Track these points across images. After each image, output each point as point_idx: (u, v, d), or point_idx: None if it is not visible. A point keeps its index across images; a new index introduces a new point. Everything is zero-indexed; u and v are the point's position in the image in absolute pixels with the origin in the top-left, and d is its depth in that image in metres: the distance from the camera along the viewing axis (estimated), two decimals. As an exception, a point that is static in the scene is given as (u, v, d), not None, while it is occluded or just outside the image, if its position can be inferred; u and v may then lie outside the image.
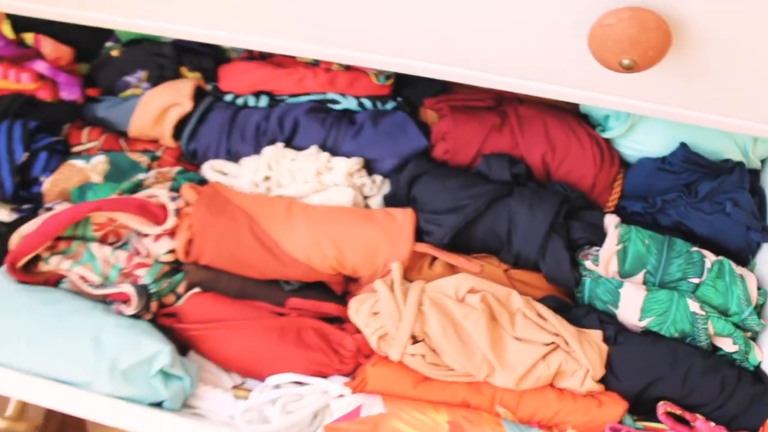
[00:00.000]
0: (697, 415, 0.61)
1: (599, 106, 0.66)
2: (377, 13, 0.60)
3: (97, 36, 0.79)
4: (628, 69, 0.52)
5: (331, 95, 0.72)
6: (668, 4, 0.52)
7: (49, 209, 0.72)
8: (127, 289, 0.65)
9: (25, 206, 0.74)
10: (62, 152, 0.76)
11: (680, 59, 0.56)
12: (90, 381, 0.62)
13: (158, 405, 0.65)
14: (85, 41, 0.79)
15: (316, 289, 0.69)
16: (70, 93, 0.77)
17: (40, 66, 0.75)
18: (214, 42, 0.65)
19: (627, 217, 0.69)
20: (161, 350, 0.63)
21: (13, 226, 0.73)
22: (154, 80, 0.75)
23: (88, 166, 0.72)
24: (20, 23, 0.77)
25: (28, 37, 0.77)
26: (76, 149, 0.77)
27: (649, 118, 0.69)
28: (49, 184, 0.73)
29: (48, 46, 0.77)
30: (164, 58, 0.74)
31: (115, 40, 0.79)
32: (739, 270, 0.64)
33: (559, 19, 0.55)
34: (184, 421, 0.61)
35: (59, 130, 0.77)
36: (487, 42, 0.59)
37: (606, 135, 0.69)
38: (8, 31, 0.76)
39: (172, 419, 0.62)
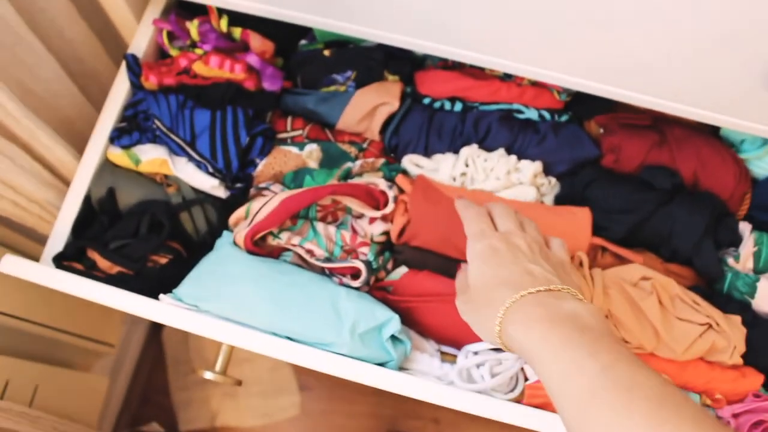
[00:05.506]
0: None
1: (742, 132, 0.77)
2: (574, 42, 0.67)
3: (295, 34, 0.85)
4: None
5: (516, 106, 0.82)
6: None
7: (263, 189, 0.81)
8: (359, 264, 0.74)
9: (237, 185, 0.82)
10: (271, 138, 0.83)
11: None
12: (333, 342, 0.70)
13: (381, 365, 0.73)
14: (282, 38, 0.85)
15: (506, 271, 0.80)
16: (272, 84, 0.82)
17: (252, 59, 0.81)
18: (420, 50, 0.72)
19: (756, 225, 0.81)
20: (393, 318, 0.72)
21: (226, 202, 0.82)
22: (360, 81, 0.82)
23: (304, 153, 0.81)
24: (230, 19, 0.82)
25: (236, 31, 0.83)
26: (281, 136, 0.83)
27: (780, 144, 0.81)
28: (263, 167, 0.81)
29: (256, 40, 0.82)
30: (374, 61, 0.81)
31: (311, 38, 0.86)
32: None
33: (737, 66, 0.64)
34: (417, 380, 0.69)
35: (264, 117, 0.85)
36: (673, 77, 0.68)
37: (743, 156, 0.83)
38: (224, 25, 0.82)
39: (408, 378, 0.69)
